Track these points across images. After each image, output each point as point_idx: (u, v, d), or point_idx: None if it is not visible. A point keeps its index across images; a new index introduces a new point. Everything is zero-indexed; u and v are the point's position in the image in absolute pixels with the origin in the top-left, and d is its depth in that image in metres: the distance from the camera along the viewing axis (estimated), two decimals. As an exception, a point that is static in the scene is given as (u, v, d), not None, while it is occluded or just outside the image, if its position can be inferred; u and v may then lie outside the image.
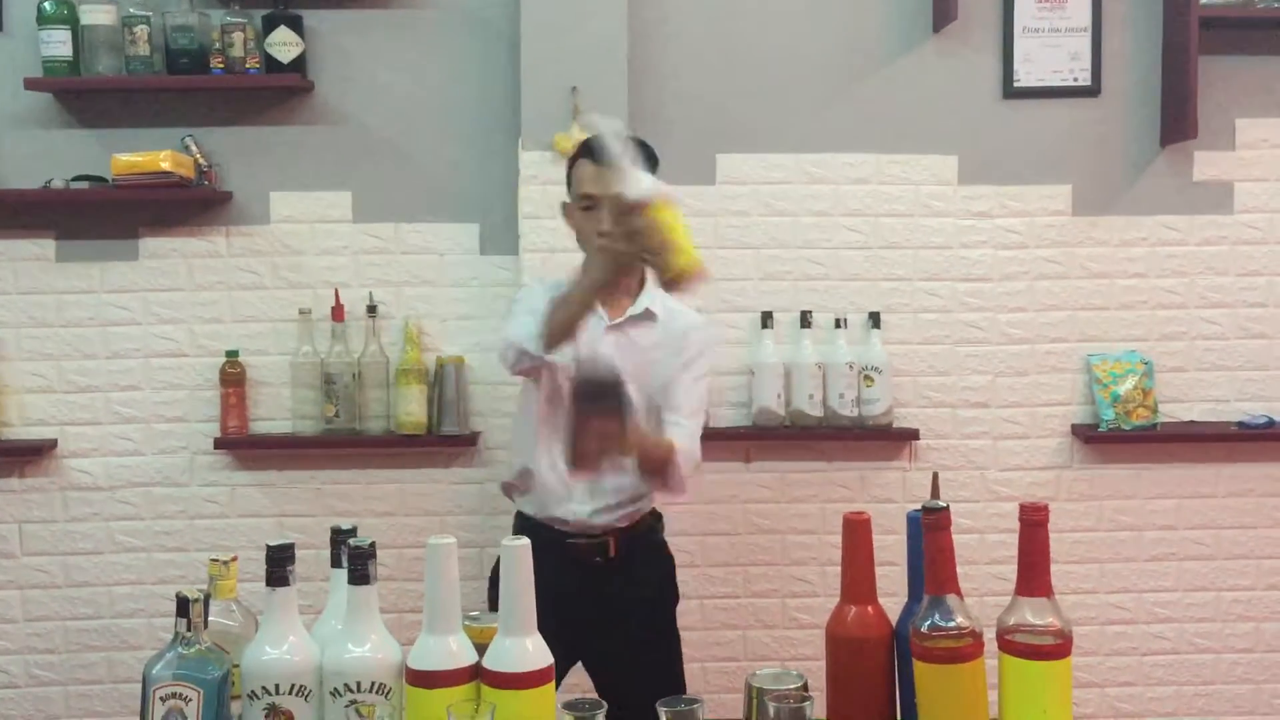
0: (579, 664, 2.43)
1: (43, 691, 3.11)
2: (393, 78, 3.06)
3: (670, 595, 2.52)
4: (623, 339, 2.36)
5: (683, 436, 2.30)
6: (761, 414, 3.04)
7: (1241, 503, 3.15)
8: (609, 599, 2.37)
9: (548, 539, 2.27)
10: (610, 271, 2.10)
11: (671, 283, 2.01)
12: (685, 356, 2.38)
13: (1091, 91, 3.08)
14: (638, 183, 1.99)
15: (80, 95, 3.02)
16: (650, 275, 2.38)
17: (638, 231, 1.98)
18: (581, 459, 2.06)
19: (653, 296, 2.39)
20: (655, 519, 2.49)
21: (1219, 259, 3.13)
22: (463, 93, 3.06)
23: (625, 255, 2.03)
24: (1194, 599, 3.17)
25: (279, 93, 3.03)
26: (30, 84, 2.94)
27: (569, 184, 2.40)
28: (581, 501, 2.35)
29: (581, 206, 2.33)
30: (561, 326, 2.17)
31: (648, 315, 2.38)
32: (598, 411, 2.01)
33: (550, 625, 2.26)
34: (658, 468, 2.24)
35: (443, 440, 3.04)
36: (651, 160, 2.34)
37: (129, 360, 3.08)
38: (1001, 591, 1.49)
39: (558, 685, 2.29)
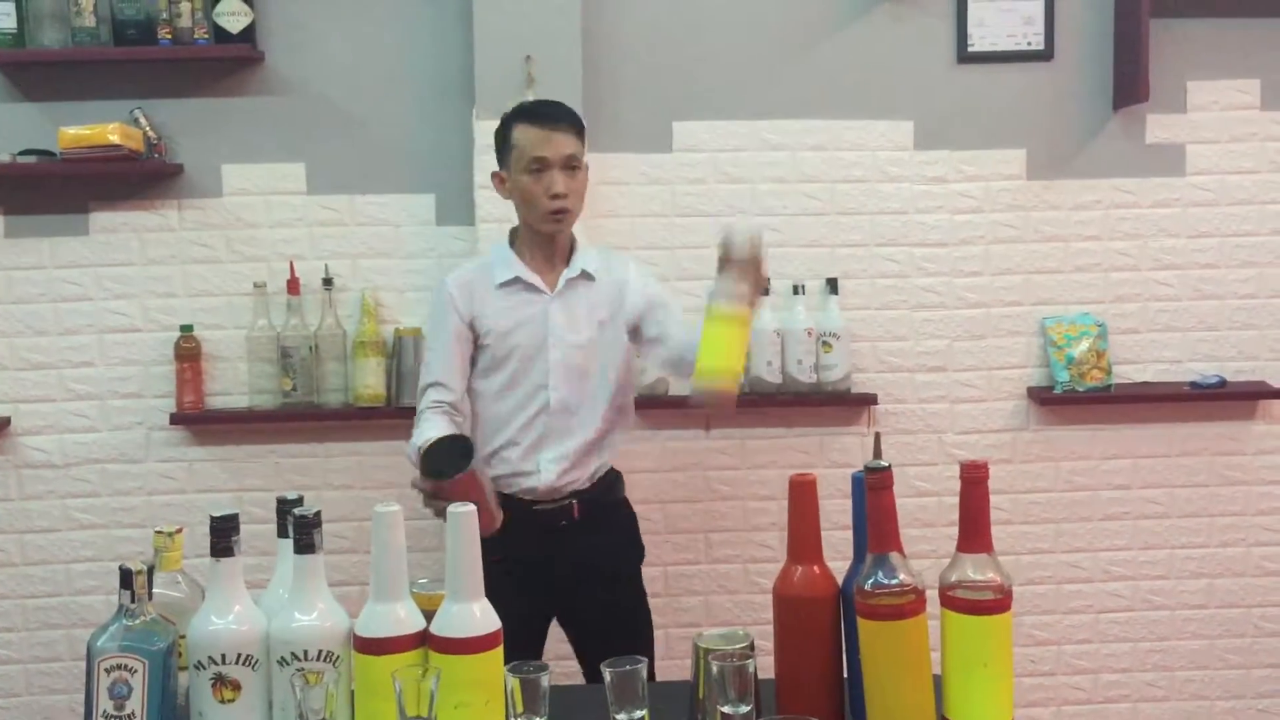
0: (555, 622, 2.50)
1: (1, 670, 3.10)
2: (345, 47, 3.03)
3: (635, 551, 2.56)
4: (566, 306, 2.40)
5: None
6: (720, 381, 3.05)
7: (1194, 462, 3.19)
8: (576, 559, 2.41)
9: (515, 509, 2.31)
10: None
11: (699, 384, 2.07)
12: (637, 290, 2.42)
13: (1045, 56, 3.09)
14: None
15: (26, 68, 2.97)
16: (579, 236, 2.48)
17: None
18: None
19: (586, 256, 2.44)
20: (615, 477, 2.53)
21: (1171, 221, 3.16)
22: (416, 62, 3.03)
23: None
24: (1148, 557, 3.21)
25: (229, 63, 2.99)
26: (-27, 57, 2.89)
27: (502, 150, 2.41)
28: (547, 469, 2.39)
29: (531, 169, 2.34)
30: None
31: (584, 276, 2.41)
32: (450, 486, 2.02)
33: (522, 589, 2.34)
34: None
35: (401, 412, 3.01)
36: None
37: (82, 336, 3.05)
38: (957, 554, 1.51)
39: (540, 646, 2.43)
